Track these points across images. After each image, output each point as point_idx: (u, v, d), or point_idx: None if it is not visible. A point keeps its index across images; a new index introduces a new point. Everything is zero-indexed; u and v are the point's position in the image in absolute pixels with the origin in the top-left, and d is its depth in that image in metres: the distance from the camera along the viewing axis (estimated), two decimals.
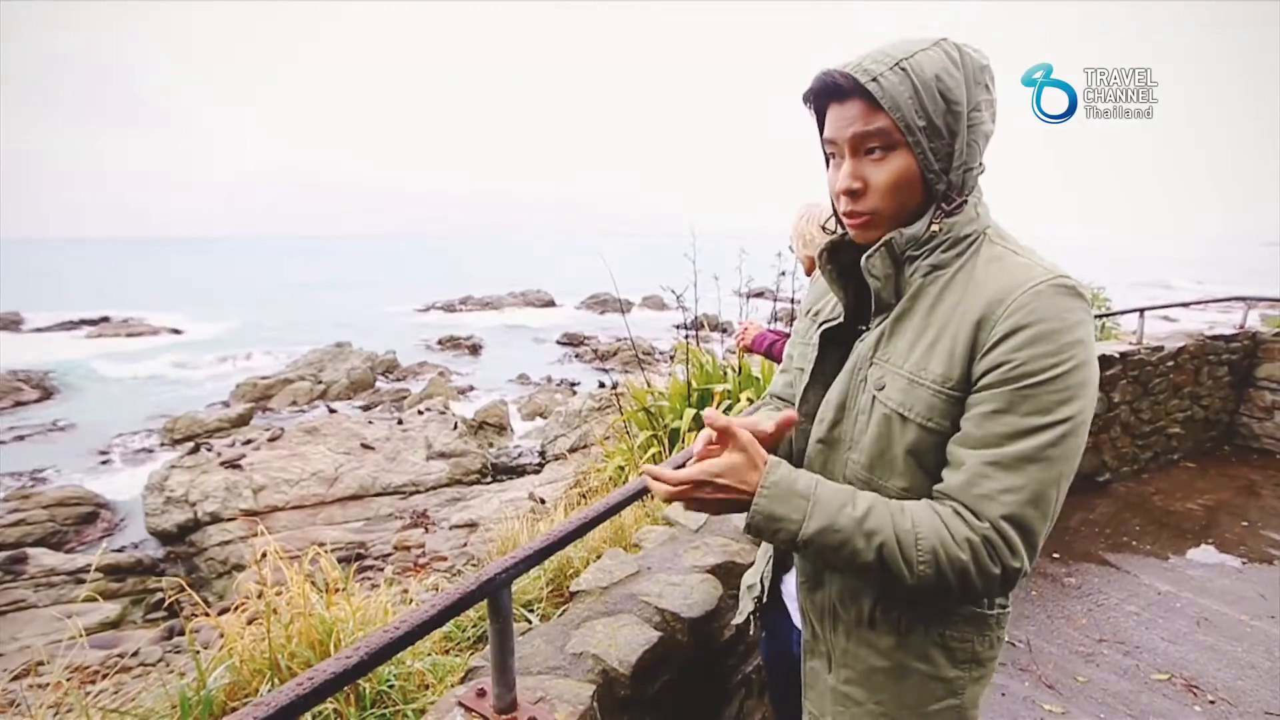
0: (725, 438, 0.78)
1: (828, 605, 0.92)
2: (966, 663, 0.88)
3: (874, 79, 0.74)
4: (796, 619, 1.02)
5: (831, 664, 0.93)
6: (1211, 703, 2.26)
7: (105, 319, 31.06)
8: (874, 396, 0.83)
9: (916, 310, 0.82)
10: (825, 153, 0.86)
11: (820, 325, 0.97)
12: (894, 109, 0.74)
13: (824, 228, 0.95)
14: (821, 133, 0.85)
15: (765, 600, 1.09)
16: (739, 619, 1.18)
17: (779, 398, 1.15)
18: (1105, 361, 3.95)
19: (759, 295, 5.50)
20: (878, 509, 0.76)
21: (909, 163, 0.77)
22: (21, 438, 14.81)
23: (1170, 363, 4.40)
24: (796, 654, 1.03)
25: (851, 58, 0.78)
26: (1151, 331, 4.57)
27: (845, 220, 0.85)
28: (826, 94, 0.80)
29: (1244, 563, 3.24)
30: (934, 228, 0.80)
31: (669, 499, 0.80)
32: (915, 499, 0.80)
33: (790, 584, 1.04)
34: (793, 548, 0.78)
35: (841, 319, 0.94)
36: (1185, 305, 5.52)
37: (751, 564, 1.22)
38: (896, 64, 0.75)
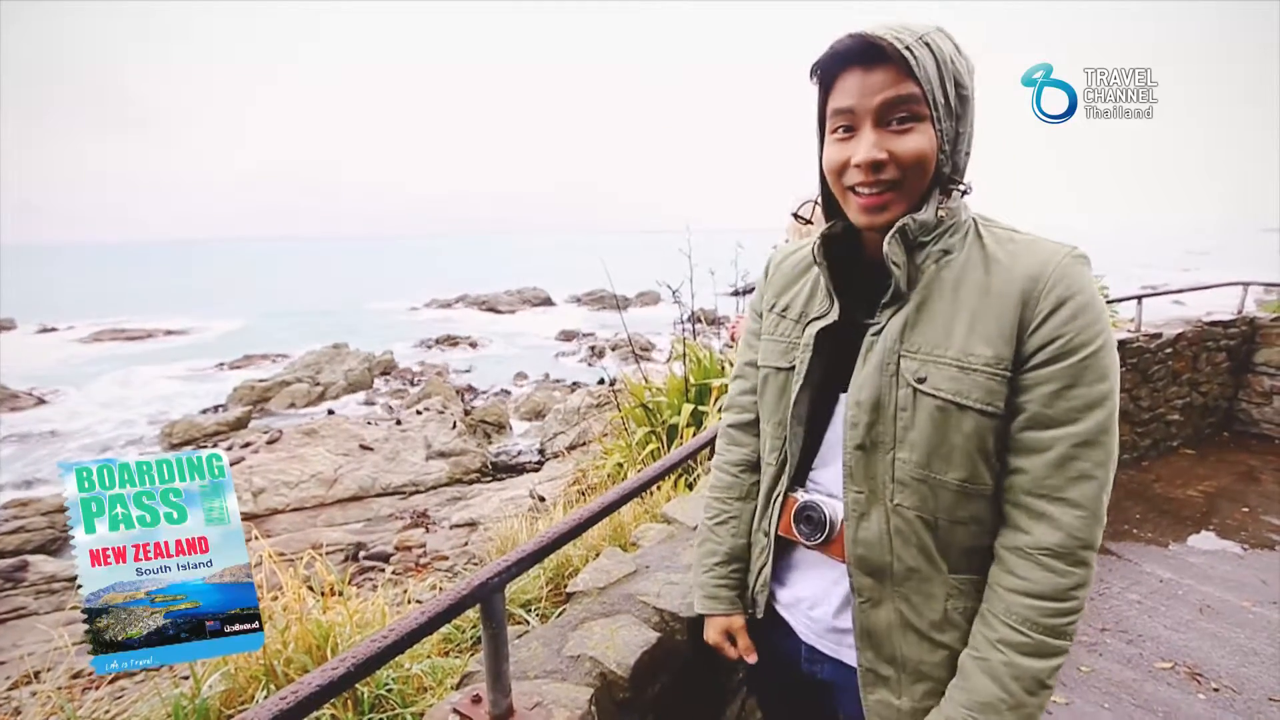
0: None
1: (896, 619, 0.85)
2: None
3: (907, 48, 0.72)
4: (802, 633, 0.97)
5: (902, 687, 0.86)
6: (1215, 690, 2.25)
7: (103, 323, 31.01)
8: (915, 390, 0.79)
9: (939, 296, 0.80)
10: (829, 127, 0.80)
11: (808, 323, 0.91)
12: (926, 80, 0.73)
13: (797, 215, 0.89)
14: (824, 104, 0.81)
15: (760, 615, 1.02)
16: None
17: (736, 427, 1.08)
18: None
19: (754, 290, 5.48)
20: (1010, 660, 0.76)
21: (931, 139, 0.75)
22: (22, 439, 14.78)
23: (1169, 350, 4.39)
24: (804, 670, 0.98)
25: (868, 28, 0.74)
26: (1150, 318, 4.55)
27: (857, 197, 0.79)
28: (854, 58, 0.76)
29: (1245, 549, 3.23)
30: (940, 213, 0.79)
31: None
32: (973, 489, 0.79)
33: (791, 595, 0.98)
34: None
35: (836, 317, 0.88)
36: (1184, 291, 5.52)
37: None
38: (920, 39, 0.73)
